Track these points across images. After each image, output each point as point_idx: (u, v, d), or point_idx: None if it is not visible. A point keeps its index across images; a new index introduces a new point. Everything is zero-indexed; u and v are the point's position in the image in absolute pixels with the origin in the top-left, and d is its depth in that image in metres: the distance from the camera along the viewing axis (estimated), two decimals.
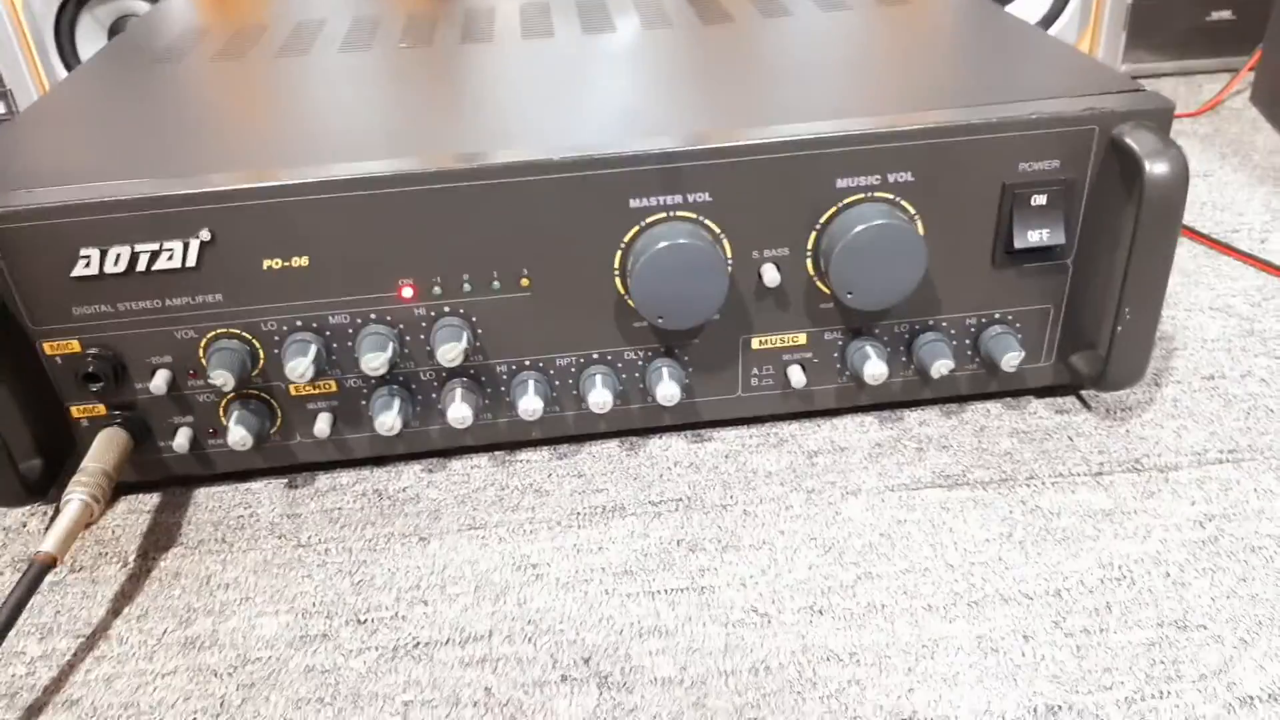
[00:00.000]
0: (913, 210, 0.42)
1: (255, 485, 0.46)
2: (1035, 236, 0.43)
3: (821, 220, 0.42)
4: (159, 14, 0.67)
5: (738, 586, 0.40)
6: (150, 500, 0.46)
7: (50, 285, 0.40)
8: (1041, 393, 0.49)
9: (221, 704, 0.36)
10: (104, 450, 0.41)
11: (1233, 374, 0.50)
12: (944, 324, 0.45)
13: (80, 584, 0.41)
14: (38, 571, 0.37)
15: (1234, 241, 0.62)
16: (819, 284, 0.43)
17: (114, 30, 0.78)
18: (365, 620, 0.39)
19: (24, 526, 0.45)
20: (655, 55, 0.52)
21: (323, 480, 0.46)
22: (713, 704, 0.35)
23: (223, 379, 0.41)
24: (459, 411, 0.43)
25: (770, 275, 0.42)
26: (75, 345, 0.41)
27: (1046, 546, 0.41)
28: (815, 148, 0.40)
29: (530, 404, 0.43)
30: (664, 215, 0.41)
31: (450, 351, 0.41)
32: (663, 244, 0.40)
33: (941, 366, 0.44)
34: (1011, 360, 0.44)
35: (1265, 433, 0.46)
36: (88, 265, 0.39)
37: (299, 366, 0.41)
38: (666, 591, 0.40)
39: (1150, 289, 0.42)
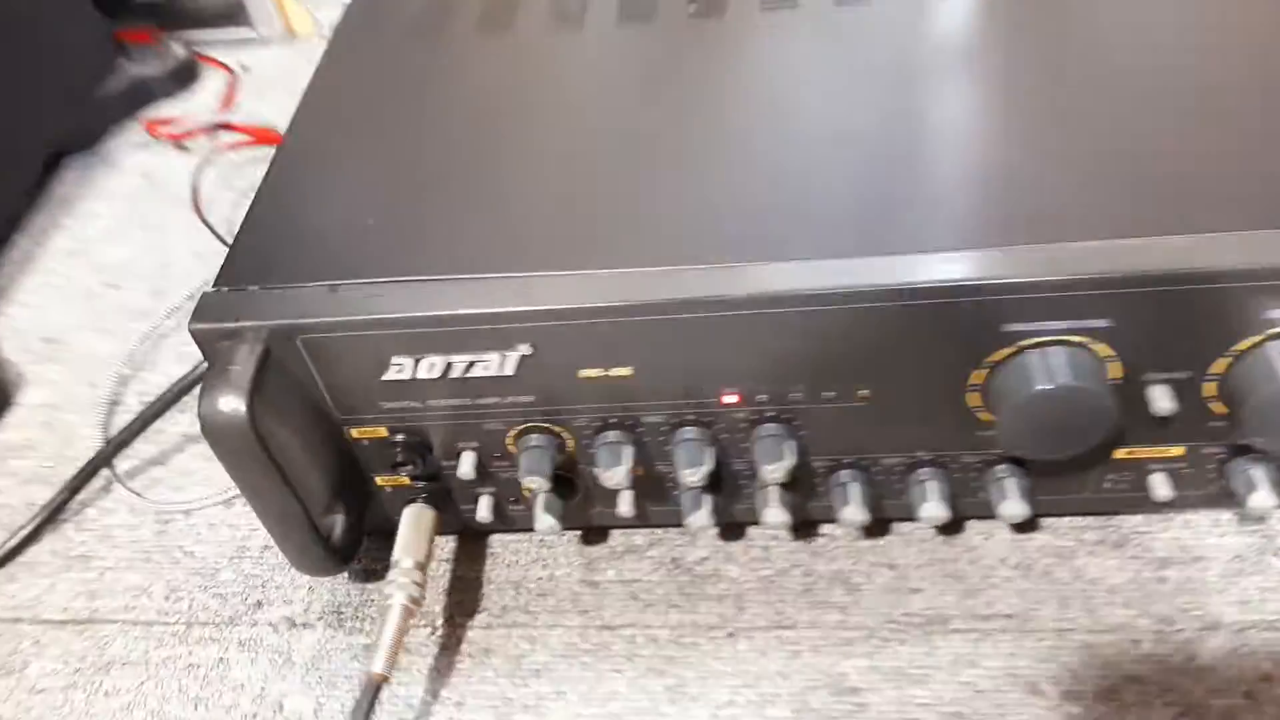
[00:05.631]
0: None
1: (549, 544, 0.45)
2: None
3: (1240, 347, 0.34)
4: None
5: None
6: (447, 545, 0.45)
7: (359, 386, 0.37)
8: None
9: None
10: (414, 535, 0.40)
11: None
12: None
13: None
14: (373, 694, 0.37)
15: None
16: (1211, 406, 0.36)
17: None
18: None
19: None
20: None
21: (617, 539, 0.44)
22: None
23: (536, 484, 0.38)
24: (775, 517, 0.39)
25: (1162, 401, 0.35)
26: (382, 432, 0.39)
27: None
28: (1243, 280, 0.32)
29: (853, 515, 0.39)
30: (1044, 340, 0.34)
31: (775, 472, 0.37)
32: (1043, 387, 0.34)
33: None
34: None
35: None
36: (399, 372, 0.36)
37: (614, 477, 0.38)
38: None
39: None
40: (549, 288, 0.35)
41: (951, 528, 0.43)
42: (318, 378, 0.37)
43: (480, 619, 0.42)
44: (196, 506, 0.47)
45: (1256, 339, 0.34)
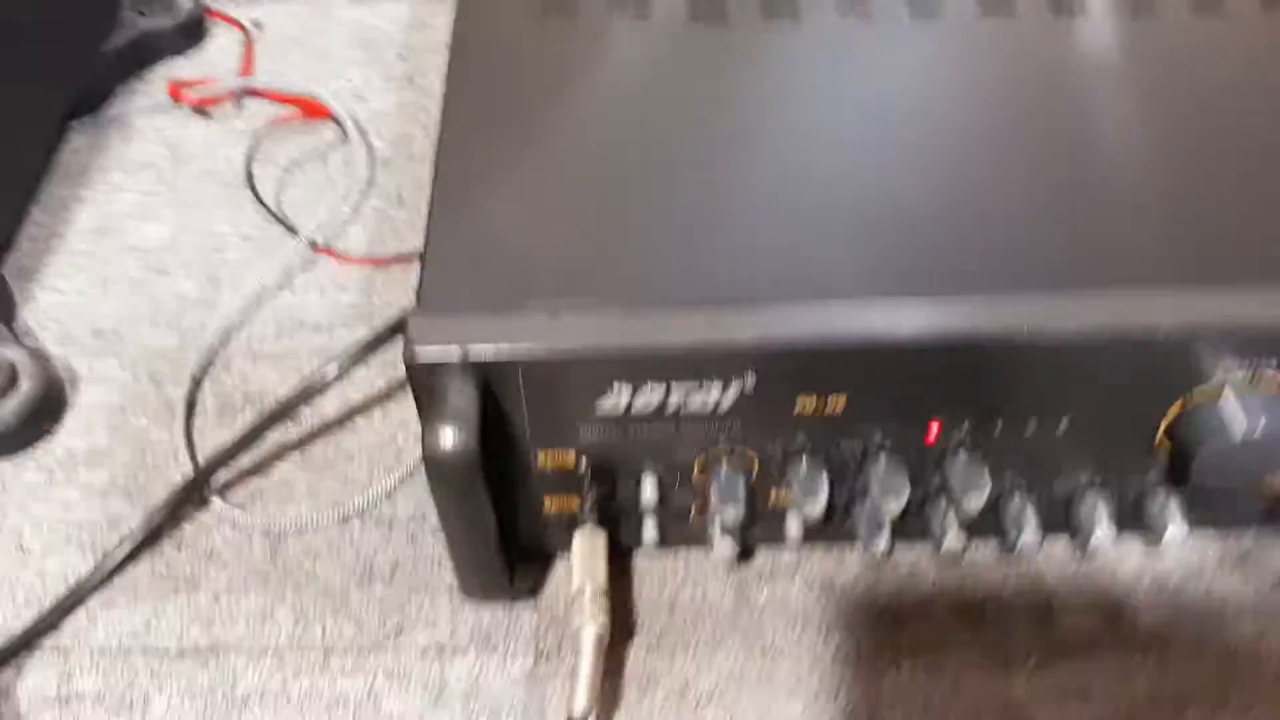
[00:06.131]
0: None
1: (686, 551, 0.44)
2: None
3: None
4: None
5: None
6: None
7: (566, 413, 0.36)
8: None
9: None
10: (591, 559, 0.39)
11: None
12: None
13: (559, 676, 0.41)
14: None
15: None
16: None
17: None
18: None
19: None
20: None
21: (762, 558, 0.44)
22: None
23: (733, 515, 0.38)
24: (956, 543, 0.40)
25: None
26: (570, 458, 0.38)
27: None
28: None
29: (1031, 539, 0.40)
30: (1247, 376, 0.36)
31: (974, 500, 0.38)
32: (1249, 428, 0.35)
33: None
34: None
35: None
36: (615, 401, 0.35)
37: (815, 506, 0.38)
38: None
39: None
40: (781, 317, 0.34)
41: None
42: (525, 404, 0.35)
43: (639, 642, 0.42)
44: (311, 525, 0.44)
45: None
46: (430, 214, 0.38)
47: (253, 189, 0.56)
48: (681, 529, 0.42)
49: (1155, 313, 0.35)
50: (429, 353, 0.33)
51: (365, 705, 0.40)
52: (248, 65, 0.66)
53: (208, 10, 0.69)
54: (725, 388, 0.35)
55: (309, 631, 0.42)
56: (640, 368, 0.34)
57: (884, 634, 0.42)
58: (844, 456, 0.38)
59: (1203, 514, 0.42)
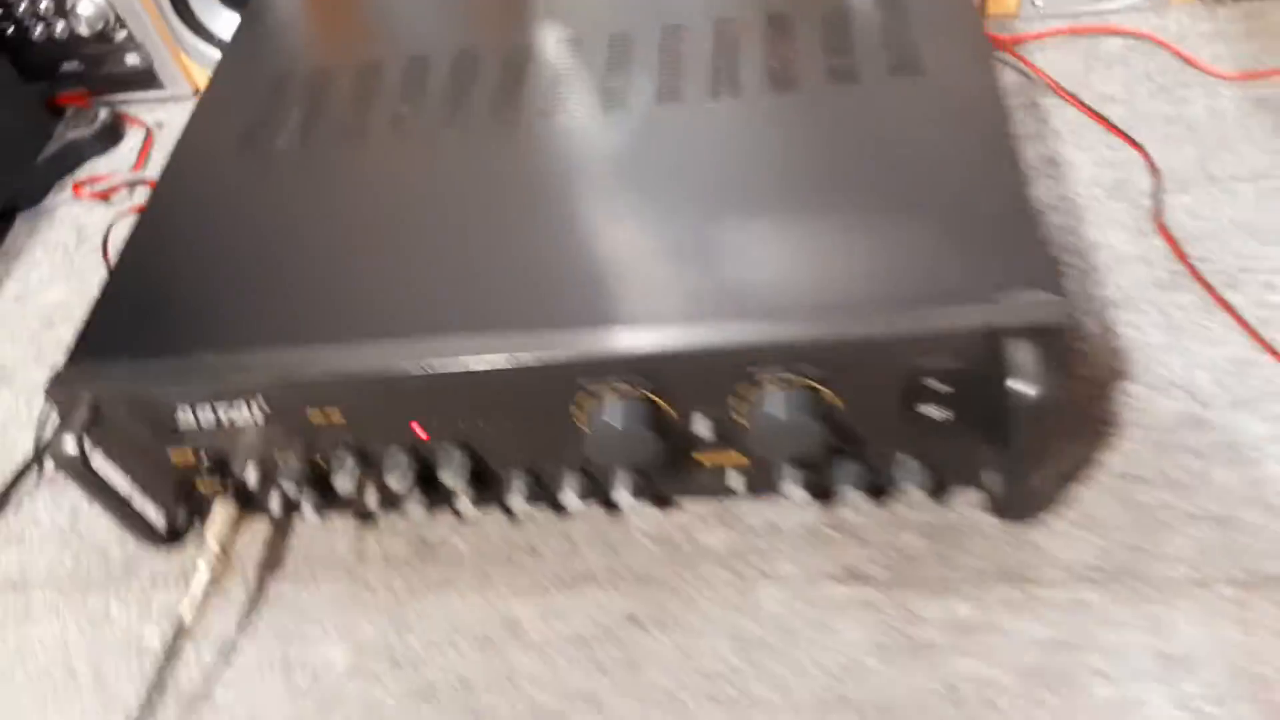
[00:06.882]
0: (827, 391, 0.49)
1: (336, 523, 0.62)
2: (929, 410, 0.49)
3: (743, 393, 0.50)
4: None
5: (661, 669, 0.53)
6: (265, 529, 0.62)
7: (161, 422, 0.54)
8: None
9: (300, 717, 0.54)
10: (217, 523, 0.58)
11: (1151, 475, 0.55)
12: (866, 454, 0.53)
13: (218, 599, 0.60)
14: (174, 636, 0.55)
15: (1241, 284, 0.62)
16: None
17: None
18: (401, 663, 0.56)
19: None
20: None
21: (384, 522, 0.61)
22: None
23: (292, 490, 0.55)
24: (466, 506, 0.56)
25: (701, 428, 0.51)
26: (190, 455, 0.56)
27: (903, 658, 0.51)
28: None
29: (519, 504, 0.56)
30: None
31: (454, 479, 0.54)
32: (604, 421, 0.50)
33: (847, 491, 0.53)
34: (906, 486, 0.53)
35: (1145, 552, 0.53)
36: (183, 415, 0.54)
37: (343, 484, 0.55)
38: (610, 665, 0.54)
39: (1019, 476, 0.49)
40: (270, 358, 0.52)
41: (614, 509, 0.59)
42: (134, 420, 0.54)
43: (277, 574, 0.60)
44: None
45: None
46: (104, 282, 0.58)
47: (106, 259, 0.78)
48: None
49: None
50: (55, 392, 0.52)
51: (100, 619, 0.60)
52: (142, 159, 0.88)
53: (122, 115, 0.91)
54: (248, 406, 0.53)
55: (80, 567, 0.63)
56: (182, 395, 0.53)
57: (451, 571, 0.59)
58: (363, 448, 0.55)
59: (669, 484, 0.56)
